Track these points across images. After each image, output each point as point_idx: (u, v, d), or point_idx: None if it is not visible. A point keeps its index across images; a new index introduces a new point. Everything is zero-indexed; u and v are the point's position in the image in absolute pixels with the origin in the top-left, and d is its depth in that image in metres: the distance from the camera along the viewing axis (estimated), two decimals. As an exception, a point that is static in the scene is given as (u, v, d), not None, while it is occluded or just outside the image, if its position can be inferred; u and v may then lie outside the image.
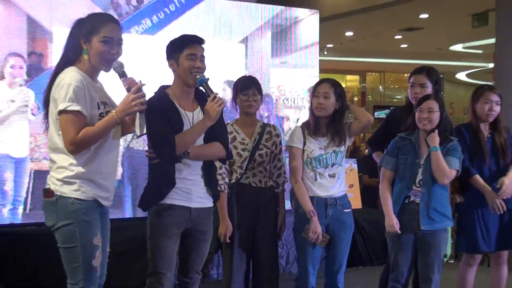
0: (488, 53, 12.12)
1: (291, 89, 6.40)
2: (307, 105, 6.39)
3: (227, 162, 3.63)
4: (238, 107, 3.78)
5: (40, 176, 5.14)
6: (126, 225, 4.99)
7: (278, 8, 6.40)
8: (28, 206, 5.21)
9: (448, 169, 3.68)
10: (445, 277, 4.41)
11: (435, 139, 3.70)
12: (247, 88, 3.71)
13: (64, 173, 2.76)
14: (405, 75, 18.47)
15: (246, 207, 3.72)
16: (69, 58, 2.86)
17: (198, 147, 3.14)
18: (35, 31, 5.24)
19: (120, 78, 2.85)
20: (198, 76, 3.09)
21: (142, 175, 4.17)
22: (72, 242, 2.75)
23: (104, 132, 2.76)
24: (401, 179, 3.83)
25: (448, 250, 3.96)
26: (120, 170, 5.22)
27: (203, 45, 3.17)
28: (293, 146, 3.67)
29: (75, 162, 2.75)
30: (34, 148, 5.22)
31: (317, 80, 6.50)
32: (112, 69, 2.86)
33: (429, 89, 4.03)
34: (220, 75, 5.54)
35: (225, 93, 5.60)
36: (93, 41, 2.81)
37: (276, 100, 6.32)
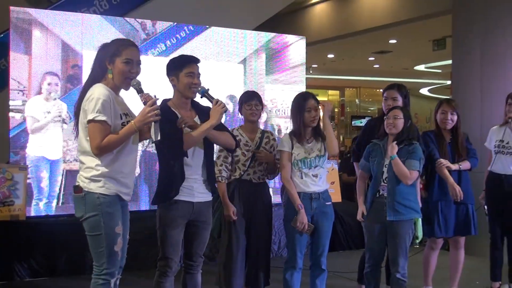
0: (446, 72, 12.10)
1: (282, 102, 6.38)
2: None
3: (232, 160, 3.68)
4: (243, 116, 3.82)
5: (71, 175, 5.14)
6: (143, 216, 4.97)
7: (271, 35, 6.39)
8: (61, 200, 5.20)
9: (408, 172, 3.66)
10: (416, 259, 4.41)
11: (394, 149, 3.70)
12: (250, 100, 3.78)
13: (91, 173, 2.76)
14: (378, 90, 18.53)
15: (247, 199, 3.73)
16: (96, 76, 2.85)
17: (215, 132, 3.14)
18: (68, 54, 5.24)
19: (138, 93, 2.84)
20: (199, 89, 3.12)
21: (156, 174, 4.11)
22: (98, 230, 2.76)
23: (124, 138, 2.77)
24: (373, 177, 3.84)
25: (420, 235, 3.93)
26: (137, 170, 5.20)
27: (198, 64, 3.17)
28: (283, 150, 3.67)
29: (100, 163, 2.76)
30: (66, 151, 5.22)
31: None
32: (131, 87, 2.85)
33: (399, 101, 4.01)
34: (223, 91, 5.54)
35: (228, 106, 5.60)
36: (116, 62, 2.81)
37: (270, 111, 6.31)
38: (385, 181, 3.76)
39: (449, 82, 12.69)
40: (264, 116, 6.23)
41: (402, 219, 3.71)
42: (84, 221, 2.79)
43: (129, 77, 2.83)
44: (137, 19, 5.68)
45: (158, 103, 2.81)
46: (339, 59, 13.25)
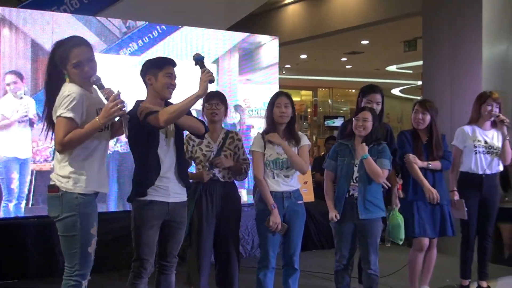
0: (417, 73, 12.28)
1: (255, 102, 6.40)
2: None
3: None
4: (205, 116, 3.79)
5: (41, 176, 5.09)
6: (113, 217, 4.93)
7: (244, 35, 6.40)
8: (30, 202, 5.12)
9: (380, 171, 3.73)
10: (399, 257, 4.47)
11: (364, 149, 3.75)
12: (211, 99, 3.73)
13: (67, 171, 2.74)
14: (350, 90, 18.68)
15: (215, 197, 3.71)
16: (57, 80, 2.82)
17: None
18: (38, 53, 5.17)
19: (99, 89, 2.82)
20: (195, 56, 3.09)
21: (124, 175, 4.11)
22: (73, 231, 2.73)
23: (87, 135, 2.73)
24: (341, 178, 3.86)
25: (402, 235, 3.99)
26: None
27: (175, 67, 3.18)
28: (255, 150, 3.67)
29: (75, 160, 2.74)
30: (36, 152, 5.14)
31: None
32: (92, 84, 2.83)
33: (380, 105, 4.06)
34: (196, 91, 5.51)
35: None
36: (68, 67, 2.79)
37: (243, 112, 6.32)
38: (355, 181, 3.80)
39: (420, 83, 12.89)
40: (237, 117, 6.23)
41: (373, 217, 3.76)
42: (58, 221, 2.75)
43: (85, 77, 2.80)
44: (109, 18, 5.63)
45: (122, 97, 2.76)
46: (312, 59, 13.32)
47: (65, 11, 6.00)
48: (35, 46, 5.17)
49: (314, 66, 14.36)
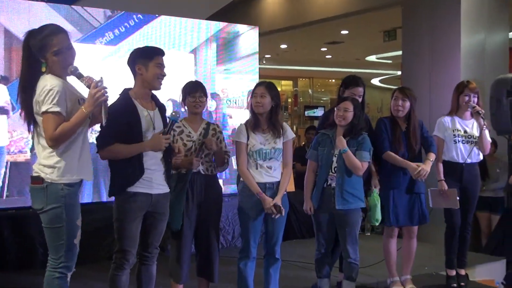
0: (397, 63, 12.35)
1: (234, 92, 6.37)
2: (246, 105, 6.40)
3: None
4: (186, 107, 3.75)
5: (16, 167, 5.03)
6: (91, 208, 4.90)
7: (222, 24, 6.36)
8: (5, 193, 5.03)
9: (359, 164, 3.75)
10: (368, 244, 4.51)
11: (342, 142, 3.76)
12: (194, 91, 3.69)
13: (52, 162, 2.70)
14: (330, 80, 18.72)
15: (196, 189, 3.67)
16: (34, 70, 2.76)
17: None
18: (12, 42, 5.06)
19: (79, 79, 2.78)
20: (173, 114, 3.12)
21: (101, 164, 4.02)
22: (58, 222, 2.70)
23: (77, 126, 2.73)
24: (321, 167, 3.88)
25: (379, 216, 4.01)
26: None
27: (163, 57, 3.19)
28: (238, 141, 3.66)
29: (58, 151, 2.71)
30: (11, 142, 5.05)
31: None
32: (70, 74, 2.80)
33: (361, 98, 4.07)
34: (172, 81, 5.49)
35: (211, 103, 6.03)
36: (47, 56, 2.75)
37: (221, 101, 6.29)
38: (334, 171, 3.81)
39: (399, 73, 12.96)
40: (213, 105, 6.19)
41: (350, 208, 3.78)
42: (43, 213, 2.72)
43: (65, 66, 2.77)
44: (85, 7, 5.54)
45: (106, 84, 2.74)
46: (292, 49, 13.29)
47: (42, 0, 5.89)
48: (9, 36, 5.06)
49: (294, 56, 14.35)
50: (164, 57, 3.18)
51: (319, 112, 15.15)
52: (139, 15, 5.77)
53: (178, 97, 3.86)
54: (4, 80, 5.05)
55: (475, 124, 4.43)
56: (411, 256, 4.33)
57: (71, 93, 2.77)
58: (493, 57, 6.51)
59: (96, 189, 5.23)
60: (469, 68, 6.22)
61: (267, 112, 3.64)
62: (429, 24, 6.49)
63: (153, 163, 3.11)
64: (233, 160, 5.51)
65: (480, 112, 4.33)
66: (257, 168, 3.63)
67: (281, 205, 3.60)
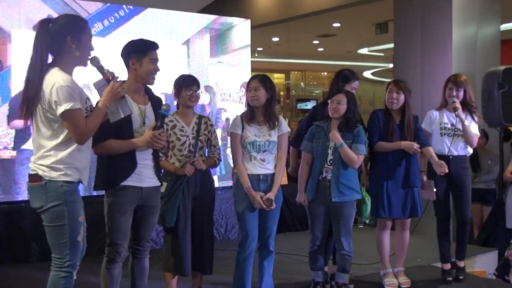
0: (389, 56, 12.37)
1: (227, 85, 6.34)
2: (239, 98, 6.38)
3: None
4: (180, 100, 3.73)
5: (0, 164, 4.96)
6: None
7: (214, 16, 6.32)
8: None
9: (356, 157, 3.76)
10: (362, 237, 4.52)
11: (337, 137, 3.76)
12: (191, 85, 3.69)
13: (51, 160, 2.63)
14: (322, 73, 18.73)
15: (190, 183, 3.67)
16: (58, 55, 2.68)
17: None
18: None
19: (99, 70, 2.78)
20: (164, 107, 3.10)
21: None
22: (61, 220, 2.63)
23: (101, 120, 2.73)
24: (316, 159, 3.88)
25: (367, 213, 4.02)
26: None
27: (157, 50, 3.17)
28: (233, 132, 3.66)
29: (59, 149, 2.64)
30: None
31: (249, 77, 6.51)
32: (90, 64, 2.77)
33: (355, 88, 4.08)
34: (165, 73, 5.46)
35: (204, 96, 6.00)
36: (82, 38, 2.70)
37: (215, 94, 6.26)
38: (329, 163, 3.81)
39: (391, 65, 12.97)
40: (207, 98, 6.17)
41: (346, 200, 3.79)
42: (44, 212, 2.64)
43: (81, 62, 2.73)
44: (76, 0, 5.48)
45: (95, 75, 2.77)
46: (284, 42, 13.27)
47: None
48: (-1, 28, 5.01)
49: (286, 49, 14.33)
50: (158, 50, 3.15)
51: (311, 105, 15.17)
52: (130, 6, 5.69)
53: (171, 90, 3.83)
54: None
55: (468, 118, 4.39)
56: (404, 248, 4.34)
57: (81, 91, 2.71)
58: (485, 49, 6.52)
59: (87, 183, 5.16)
60: (461, 60, 6.23)
61: (263, 104, 3.64)
62: (421, 17, 6.48)
63: (143, 157, 3.10)
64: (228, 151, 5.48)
65: (456, 107, 4.29)
66: (251, 160, 3.63)
67: (273, 199, 3.59)
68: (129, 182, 3.06)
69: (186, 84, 3.68)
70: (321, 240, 3.91)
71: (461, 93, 4.36)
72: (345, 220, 3.81)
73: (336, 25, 11.07)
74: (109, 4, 5.58)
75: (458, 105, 4.30)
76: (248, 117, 3.66)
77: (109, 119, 2.85)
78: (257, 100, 3.61)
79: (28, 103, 2.64)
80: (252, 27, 6.74)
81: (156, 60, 3.12)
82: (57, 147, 2.64)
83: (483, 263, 5.26)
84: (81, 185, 2.78)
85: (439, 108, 4.47)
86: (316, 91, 19.34)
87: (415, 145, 4.09)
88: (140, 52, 3.09)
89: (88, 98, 2.76)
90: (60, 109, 2.56)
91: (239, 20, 6.55)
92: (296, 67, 18.35)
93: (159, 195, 3.28)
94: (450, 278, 4.43)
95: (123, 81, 3.09)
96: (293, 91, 18.64)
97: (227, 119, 6.18)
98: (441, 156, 4.33)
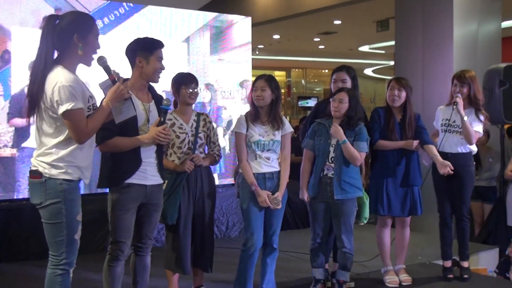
0: (390, 53, 12.36)
1: (227, 83, 6.33)
2: (240, 96, 6.37)
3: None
4: (179, 98, 3.73)
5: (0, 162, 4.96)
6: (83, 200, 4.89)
7: (215, 14, 6.31)
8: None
9: (358, 155, 3.76)
10: (363, 234, 4.52)
11: (339, 133, 3.75)
12: (190, 82, 3.71)
13: (52, 157, 2.63)
14: (323, 71, 18.72)
15: (191, 181, 3.69)
16: (50, 59, 2.65)
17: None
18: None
19: (106, 71, 2.78)
20: (165, 102, 3.12)
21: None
22: (58, 218, 2.64)
23: (103, 120, 2.73)
24: (318, 157, 3.89)
25: (367, 214, 4.02)
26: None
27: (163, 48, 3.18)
28: (238, 131, 3.67)
29: (60, 147, 2.64)
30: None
31: (250, 75, 6.51)
32: (97, 63, 2.78)
33: (348, 83, 4.03)
34: (165, 71, 5.46)
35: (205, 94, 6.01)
36: (88, 37, 2.69)
37: (215, 92, 6.25)
38: (331, 161, 3.81)
39: (392, 63, 12.96)
40: (207, 96, 6.17)
41: (348, 197, 3.79)
42: (42, 208, 2.66)
43: (95, 53, 2.74)
44: (77, -3, 5.48)
45: (95, 73, 2.77)
46: (285, 40, 13.27)
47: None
48: (-1, 26, 5.01)
49: (287, 47, 14.33)
50: (164, 50, 3.16)
51: (312, 103, 15.17)
52: (130, 4, 5.69)
53: (170, 88, 3.83)
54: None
55: (471, 115, 4.35)
56: (405, 245, 4.34)
57: (84, 89, 2.70)
58: (486, 47, 6.51)
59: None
60: (462, 58, 6.22)
61: (268, 105, 3.65)
62: (422, 14, 6.47)
63: (147, 155, 3.10)
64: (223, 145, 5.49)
65: (456, 103, 4.24)
66: (256, 159, 3.64)
67: (280, 199, 3.61)
68: (133, 180, 3.06)
69: (186, 82, 3.69)
70: (322, 237, 3.92)
71: (465, 90, 4.31)
72: (345, 217, 3.81)
73: (337, 22, 11.07)
74: (109, 1, 5.58)
75: (458, 100, 4.27)
76: (253, 116, 3.67)
77: (114, 120, 2.86)
78: (262, 100, 3.62)
79: (31, 99, 2.65)
80: (253, 25, 6.73)
81: (162, 58, 3.14)
82: (58, 145, 2.64)
83: (484, 261, 5.26)
84: (82, 182, 2.77)
85: (446, 105, 4.45)
86: (317, 89, 19.34)
87: (415, 143, 4.09)
88: (147, 50, 3.10)
89: (91, 96, 2.75)
90: (62, 109, 2.57)
91: (240, 18, 6.54)
92: (297, 65, 18.35)
93: (162, 193, 3.28)
94: (451, 276, 4.42)
95: (127, 79, 3.09)
96: (294, 88, 18.65)
97: (229, 122, 6.17)
98: (442, 153, 4.32)
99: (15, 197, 5.04)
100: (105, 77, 2.83)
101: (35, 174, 2.66)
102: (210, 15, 6.27)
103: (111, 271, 3.10)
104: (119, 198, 3.05)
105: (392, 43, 7.53)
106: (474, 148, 4.42)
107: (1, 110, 4.97)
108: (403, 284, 4.25)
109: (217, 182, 5.77)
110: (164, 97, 3.26)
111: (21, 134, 5.00)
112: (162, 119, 3.08)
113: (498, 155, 6.08)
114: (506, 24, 8.01)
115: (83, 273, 4.31)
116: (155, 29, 5.77)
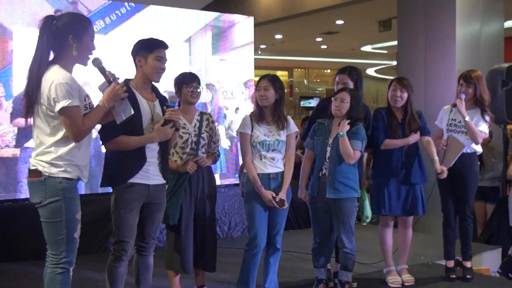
0: (392, 53, 12.33)
1: (229, 83, 6.33)
2: (243, 96, 6.37)
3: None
4: (181, 97, 3.73)
5: (1, 162, 4.96)
6: (83, 200, 4.90)
7: (217, 13, 6.31)
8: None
9: (352, 152, 3.74)
10: (366, 234, 4.52)
11: (344, 127, 3.75)
12: (192, 81, 3.71)
13: (51, 156, 2.64)
14: (326, 71, 18.71)
15: (194, 182, 3.69)
16: (45, 59, 2.67)
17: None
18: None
19: (101, 72, 2.79)
20: (171, 98, 3.15)
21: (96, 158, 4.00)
22: (58, 217, 2.65)
23: (98, 119, 2.75)
24: (317, 156, 3.90)
25: (369, 215, 4.01)
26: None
27: (166, 50, 3.18)
28: (243, 132, 3.67)
29: (59, 145, 2.64)
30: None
31: (252, 75, 6.51)
32: (94, 66, 2.78)
33: (350, 86, 4.03)
34: (167, 71, 5.46)
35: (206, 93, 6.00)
36: (83, 38, 2.70)
37: (217, 92, 6.25)
38: (327, 161, 3.80)
39: (395, 63, 12.94)
40: (209, 96, 6.16)
41: (340, 197, 3.77)
42: (42, 207, 2.66)
43: (91, 54, 2.75)
44: (78, -3, 5.48)
45: (89, 76, 2.76)
46: (287, 39, 13.27)
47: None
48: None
49: (289, 47, 14.33)
50: (166, 51, 3.16)
51: (314, 103, 15.13)
52: (131, 3, 5.69)
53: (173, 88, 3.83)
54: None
55: (477, 115, 4.33)
56: (407, 245, 4.32)
57: (80, 88, 2.71)
58: (489, 47, 6.49)
59: (89, 180, 5.14)
60: (464, 58, 6.20)
61: (272, 104, 3.64)
62: (424, 14, 6.46)
63: (151, 154, 3.11)
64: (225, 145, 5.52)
65: (457, 102, 4.24)
66: (261, 159, 3.64)
67: (285, 199, 3.61)
68: (136, 179, 3.06)
69: (187, 81, 3.70)
70: (322, 236, 3.91)
71: (471, 90, 4.29)
72: (344, 217, 3.79)
73: (340, 22, 11.06)
74: (111, 1, 5.58)
75: (458, 102, 4.25)
76: (257, 116, 3.67)
77: (115, 120, 2.87)
78: (266, 100, 3.62)
79: (28, 98, 2.66)
80: (255, 25, 6.72)
81: (163, 58, 3.13)
82: (56, 144, 2.65)
83: (487, 261, 5.25)
84: (81, 182, 2.77)
85: (453, 105, 4.42)
86: (320, 89, 19.33)
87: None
88: (146, 49, 3.11)
89: (87, 95, 2.76)
90: (58, 106, 2.59)
91: (242, 18, 6.53)
92: (299, 65, 18.34)
93: (165, 193, 3.29)
94: (454, 276, 4.40)
95: (129, 79, 3.12)
96: (296, 88, 18.63)
97: (230, 122, 6.16)
98: None
99: (17, 197, 5.05)
100: (102, 79, 2.84)
101: (34, 173, 2.66)
102: (212, 15, 6.26)
103: (114, 271, 3.10)
104: (122, 197, 3.05)
105: (395, 43, 7.52)
106: (479, 149, 4.39)
107: (2, 110, 4.97)
108: (406, 284, 4.24)
109: (219, 182, 5.78)
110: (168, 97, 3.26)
111: (23, 134, 5.01)
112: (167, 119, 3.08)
113: (500, 155, 6.07)
114: (508, 24, 7.98)
115: (85, 272, 4.32)
116: (157, 29, 5.77)
